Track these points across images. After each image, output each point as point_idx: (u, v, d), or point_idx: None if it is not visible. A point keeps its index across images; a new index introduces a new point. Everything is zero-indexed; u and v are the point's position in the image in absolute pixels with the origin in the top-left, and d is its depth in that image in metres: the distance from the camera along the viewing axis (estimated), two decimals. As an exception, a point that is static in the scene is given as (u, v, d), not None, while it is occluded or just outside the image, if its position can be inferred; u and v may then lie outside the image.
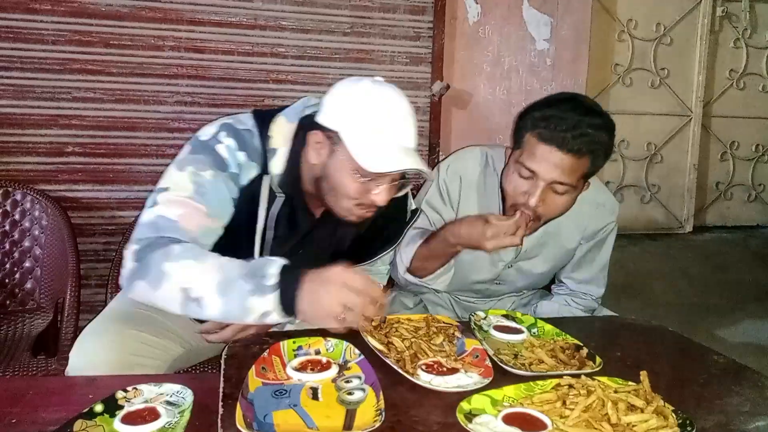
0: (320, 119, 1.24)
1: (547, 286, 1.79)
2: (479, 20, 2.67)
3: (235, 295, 1.05)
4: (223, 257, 1.12)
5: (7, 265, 1.97)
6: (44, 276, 1.98)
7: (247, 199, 1.25)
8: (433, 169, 1.58)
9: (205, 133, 1.27)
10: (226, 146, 1.23)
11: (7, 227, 1.97)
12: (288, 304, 1.06)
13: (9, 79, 2.11)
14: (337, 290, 1.04)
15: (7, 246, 1.97)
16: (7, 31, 2.08)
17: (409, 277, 1.51)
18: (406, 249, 1.50)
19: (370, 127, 1.19)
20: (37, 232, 1.99)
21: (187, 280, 1.08)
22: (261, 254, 1.29)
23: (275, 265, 1.07)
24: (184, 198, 1.18)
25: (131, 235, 1.19)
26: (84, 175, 2.22)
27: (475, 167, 1.56)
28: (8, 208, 1.97)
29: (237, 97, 2.33)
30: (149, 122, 2.26)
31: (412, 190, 1.50)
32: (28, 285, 1.98)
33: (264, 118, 1.29)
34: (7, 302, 1.96)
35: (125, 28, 2.19)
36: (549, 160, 1.31)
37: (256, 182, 1.26)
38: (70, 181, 2.21)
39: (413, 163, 1.20)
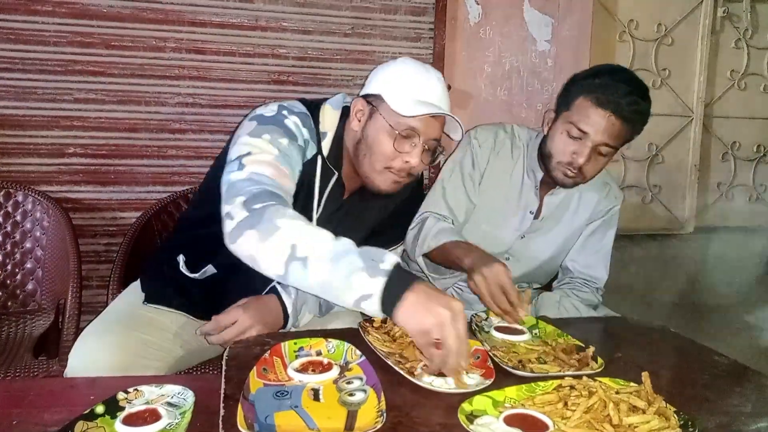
0: (362, 92, 1.37)
1: (549, 287, 1.79)
2: (480, 21, 2.67)
3: (345, 266, 1.03)
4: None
5: (9, 266, 1.97)
6: (45, 277, 1.98)
7: (305, 174, 1.33)
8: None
9: (267, 110, 1.34)
10: (293, 122, 1.31)
11: (8, 228, 1.97)
12: (390, 300, 1.00)
13: (10, 81, 2.11)
14: (443, 313, 0.98)
15: (9, 247, 1.97)
16: (8, 32, 2.08)
17: (420, 261, 1.58)
18: (435, 238, 1.53)
19: (407, 83, 1.31)
20: (38, 233, 1.99)
21: (300, 238, 1.07)
22: None
23: (393, 255, 1.06)
24: (272, 159, 1.22)
25: (225, 194, 1.18)
26: (85, 176, 2.22)
27: (505, 139, 1.67)
28: (10, 209, 1.97)
29: (238, 98, 2.33)
30: (150, 123, 2.26)
31: (426, 181, 1.58)
32: (30, 286, 1.98)
33: (312, 105, 1.39)
34: (9, 303, 1.96)
35: (127, 30, 2.19)
36: (601, 124, 1.43)
37: (313, 160, 1.34)
38: (72, 182, 2.21)
39: (447, 111, 1.32)
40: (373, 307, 1.02)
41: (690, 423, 0.87)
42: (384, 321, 1.26)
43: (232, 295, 1.32)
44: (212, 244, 1.34)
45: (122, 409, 0.90)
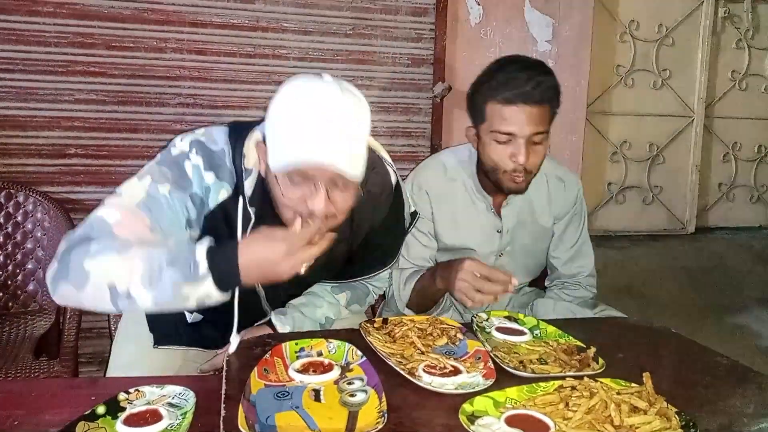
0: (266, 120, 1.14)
1: (541, 284, 1.79)
2: (481, 22, 2.67)
3: (165, 285, 0.97)
4: (151, 246, 1.03)
5: (10, 267, 1.97)
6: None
7: (223, 218, 1.17)
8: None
9: (178, 146, 1.18)
10: (194, 165, 1.14)
11: (9, 229, 1.97)
12: (228, 280, 0.98)
13: (11, 81, 2.11)
14: (273, 253, 0.98)
15: (10, 248, 1.97)
16: (9, 33, 2.09)
17: (408, 312, 1.57)
18: (405, 288, 1.56)
19: (286, 122, 1.05)
20: (39, 234, 1.99)
21: (111, 276, 0.98)
22: None
23: (201, 250, 0.98)
24: (130, 205, 1.10)
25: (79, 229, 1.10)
26: (86, 176, 2.22)
27: (437, 177, 1.60)
28: (11, 209, 1.97)
29: (239, 99, 2.33)
30: (151, 124, 2.26)
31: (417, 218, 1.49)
32: (30, 287, 1.98)
33: (239, 134, 1.17)
34: (10, 304, 1.96)
35: (127, 30, 2.19)
36: (520, 118, 1.40)
37: (231, 202, 1.16)
38: (73, 183, 2.21)
39: (329, 156, 1.02)
40: (217, 299, 1.00)
41: (691, 424, 0.87)
42: (385, 322, 1.26)
43: (231, 328, 1.24)
44: None
45: (123, 409, 0.90)
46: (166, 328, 1.37)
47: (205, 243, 1.00)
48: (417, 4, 2.51)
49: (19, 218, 1.98)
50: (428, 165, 1.66)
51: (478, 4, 2.65)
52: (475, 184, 1.59)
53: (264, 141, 1.11)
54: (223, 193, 1.16)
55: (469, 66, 2.67)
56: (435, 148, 2.60)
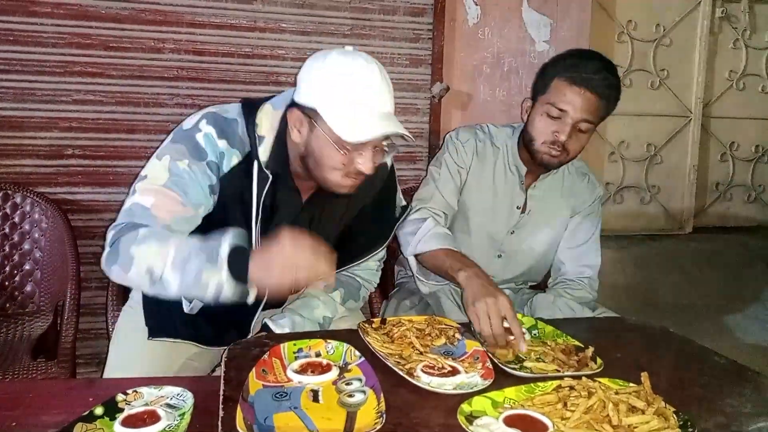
0: (296, 98, 1.26)
1: (543, 287, 1.80)
2: (479, 22, 2.67)
3: (191, 269, 1.10)
4: (189, 237, 1.18)
5: (7, 268, 1.97)
6: (44, 279, 1.98)
7: (234, 184, 1.28)
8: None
9: (189, 121, 1.31)
10: (205, 134, 1.26)
11: (6, 230, 1.97)
12: (240, 275, 1.09)
13: (9, 82, 2.10)
14: (287, 250, 1.07)
15: (7, 249, 1.97)
16: (6, 33, 2.08)
17: (411, 260, 1.60)
18: (427, 241, 1.54)
19: (344, 98, 1.20)
20: (36, 235, 1.99)
21: (150, 261, 1.12)
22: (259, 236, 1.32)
23: (228, 237, 1.12)
24: (159, 186, 1.22)
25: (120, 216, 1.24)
26: (84, 177, 2.22)
27: (485, 139, 1.73)
28: (8, 210, 1.97)
29: (236, 99, 2.29)
30: (149, 124, 2.25)
31: (405, 188, 1.52)
32: (28, 288, 1.98)
33: (251, 106, 1.32)
34: (7, 305, 1.96)
35: (125, 31, 2.19)
36: (578, 100, 1.50)
37: (242, 168, 1.28)
38: (70, 184, 2.21)
39: (392, 126, 1.21)
40: (229, 291, 1.10)
41: (689, 423, 0.87)
42: (383, 322, 1.26)
43: (227, 323, 1.39)
44: None
45: (121, 410, 0.91)
46: (162, 319, 1.39)
47: (231, 236, 1.12)
48: (415, 4, 2.51)
49: (17, 219, 1.98)
50: (477, 127, 1.77)
51: (476, 5, 2.65)
52: (513, 156, 1.69)
53: (305, 113, 1.23)
54: (234, 159, 1.28)
55: (467, 66, 2.68)
56: (433, 149, 2.60)
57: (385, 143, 1.27)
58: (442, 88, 2.56)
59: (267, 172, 1.27)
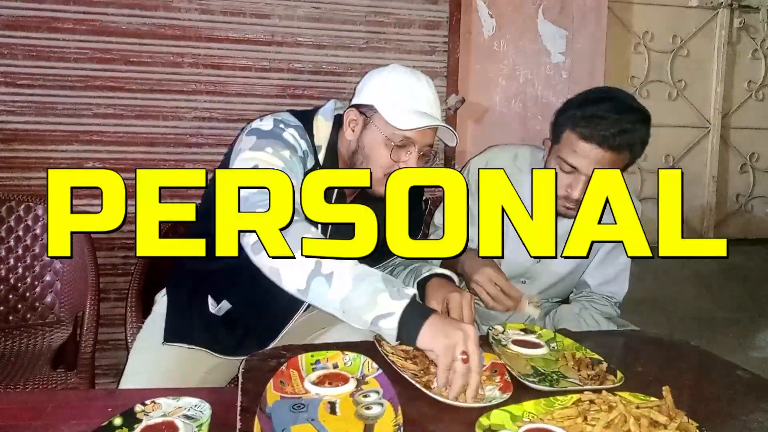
0: (355, 101, 1.39)
1: (565, 300, 1.77)
2: (494, 34, 2.68)
3: (368, 285, 1.06)
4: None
5: (28, 279, 1.99)
6: (64, 290, 2.00)
7: None
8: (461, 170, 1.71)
9: (264, 124, 1.33)
10: (290, 134, 1.32)
11: (28, 241, 2.00)
12: (412, 321, 1.04)
13: (31, 96, 2.15)
14: (460, 333, 1.01)
15: (28, 260, 2.00)
16: (30, 49, 2.12)
17: None
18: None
19: (401, 96, 1.33)
20: (57, 247, 2.01)
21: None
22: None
23: (411, 288, 1.11)
24: (280, 170, 1.21)
25: (242, 207, 1.16)
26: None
27: (507, 160, 1.62)
28: (30, 222, 2.00)
29: (254, 112, 2.34)
30: (168, 137, 2.28)
31: (429, 206, 1.57)
32: (48, 299, 2.00)
33: (305, 117, 1.39)
34: (28, 316, 1.98)
35: (145, 46, 2.22)
36: (590, 157, 1.38)
37: (312, 171, 1.34)
38: (91, 196, 2.23)
39: (439, 118, 1.34)
40: (390, 325, 1.04)
41: (713, 439, 0.85)
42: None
43: (250, 332, 1.39)
44: (226, 278, 1.38)
45: (140, 421, 0.91)
46: (181, 324, 1.39)
47: (414, 290, 1.11)
48: (430, 17, 2.52)
49: (38, 230, 2.00)
50: (503, 149, 1.70)
51: (491, 17, 2.66)
52: None
53: (361, 111, 1.35)
54: (311, 161, 1.35)
55: (483, 78, 2.68)
56: (449, 160, 2.60)
57: (430, 149, 1.36)
58: (458, 100, 2.57)
59: None
